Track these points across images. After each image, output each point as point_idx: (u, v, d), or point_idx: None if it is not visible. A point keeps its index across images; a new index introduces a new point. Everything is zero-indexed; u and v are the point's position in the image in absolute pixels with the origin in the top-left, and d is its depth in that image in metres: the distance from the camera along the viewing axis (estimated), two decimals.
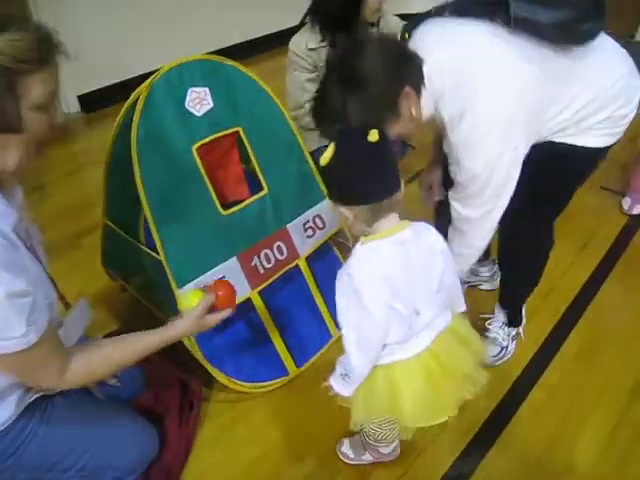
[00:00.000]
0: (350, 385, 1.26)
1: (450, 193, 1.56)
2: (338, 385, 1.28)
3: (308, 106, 2.37)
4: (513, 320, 1.98)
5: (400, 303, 1.19)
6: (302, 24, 2.34)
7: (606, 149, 1.55)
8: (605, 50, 1.44)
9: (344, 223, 1.24)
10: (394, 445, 1.61)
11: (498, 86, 1.34)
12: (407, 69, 1.33)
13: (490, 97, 1.34)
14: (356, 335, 1.20)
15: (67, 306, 1.42)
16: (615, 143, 1.55)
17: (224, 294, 1.39)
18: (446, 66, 1.35)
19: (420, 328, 1.27)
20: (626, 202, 2.70)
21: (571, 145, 1.50)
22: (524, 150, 1.43)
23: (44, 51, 1.03)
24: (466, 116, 1.35)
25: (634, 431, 1.71)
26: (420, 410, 1.29)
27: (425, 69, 1.35)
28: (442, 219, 1.85)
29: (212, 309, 1.38)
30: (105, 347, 1.31)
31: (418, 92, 1.35)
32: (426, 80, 1.35)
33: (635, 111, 1.51)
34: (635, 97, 1.50)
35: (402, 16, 2.38)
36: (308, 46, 2.28)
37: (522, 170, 1.53)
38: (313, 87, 2.35)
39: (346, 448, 1.65)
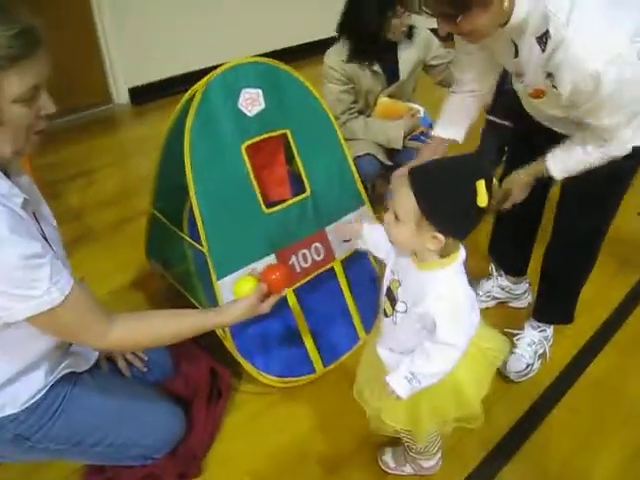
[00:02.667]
0: (414, 389, 1.23)
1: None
2: (400, 385, 1.23)
3: (344, 117, 2.43)
4: (566, 316, 2.00)
5: (475, 313, 1.25)
6: (339, 37, 2.41)
7: None
8: None
9: (410, 238, 1.18)
10: (437, 458, 1.62)
11: None
12: None
13: None
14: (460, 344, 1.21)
15: None
16: None
17: (277, 279, 1.43)
18: None
19: None
20: None
21: None
22: None
23: (20, 47, 1.02)
24: (576, 8, 1.23)
25: None
26: (480, 392, 1.35)
27: None
28: None
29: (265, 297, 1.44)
30: (154, 318, 1.36)
31: None
32: None
33: None
34: None
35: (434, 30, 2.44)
36: (342, 59, 2.36)
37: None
38: (348, 98, 2.42)
39: (388, 457, 1.67)
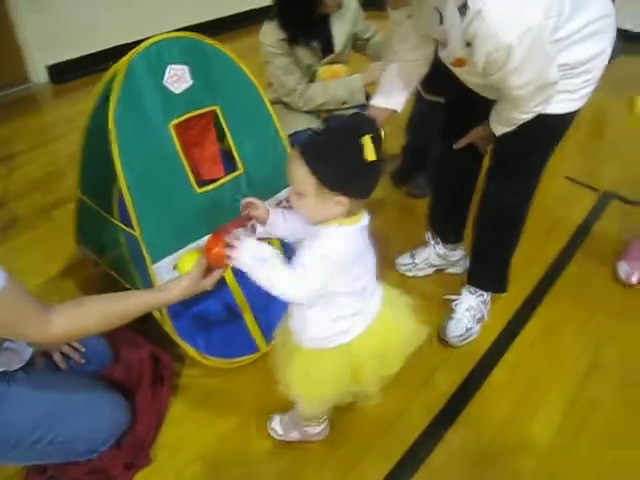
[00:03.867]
0: (252, 268, 1.24)
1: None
2: (246, 249, 1.25)
3: (300, 87, 2.39)
4: (499, 285, 2.08)
5: (359, 277, 1.27)
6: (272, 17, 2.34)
7: (572, 115, 1.61)
8: None
9: (316, 209, 1.20)
10: (323, 426, 1.65)
11: None
12: None
13: None
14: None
15: None
16: (580, 109, 1.61)
17: (218, 253, 1.33)
18: None
19: (369, 297, 1.35)
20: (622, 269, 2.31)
21: (541, 114, 1.55)
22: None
23: None
24: None
25: (586, 409, 1.79)
26: (379, 372, 1.37)
27: None
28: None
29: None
30: (95, 303, 1.31)
31: None
32: None
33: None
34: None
35: None
36: (279, 37, 2.30)
37: (501, 139, 1.65)
38: (297, 68, 2.37)
39: (276, 424, 1.69)
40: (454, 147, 1.88)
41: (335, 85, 2.42)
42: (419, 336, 1.40)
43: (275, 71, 2.37)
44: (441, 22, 1.45)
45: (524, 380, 1.90)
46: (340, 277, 1.23)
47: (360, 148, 1.09)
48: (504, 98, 1.55)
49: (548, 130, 1.63)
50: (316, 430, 1.65)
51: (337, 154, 1.13)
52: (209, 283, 1.42)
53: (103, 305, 1.31)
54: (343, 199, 1.16)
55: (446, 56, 1.55)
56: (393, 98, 1.81)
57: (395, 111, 1.83)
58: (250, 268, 1.25)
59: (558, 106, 1.55)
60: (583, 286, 2.28)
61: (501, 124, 1.64)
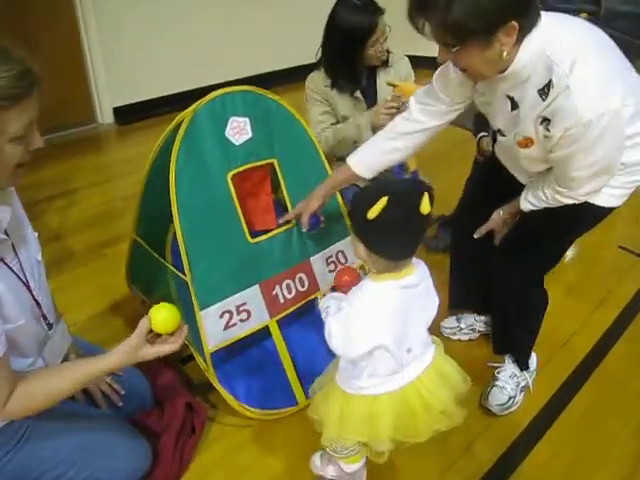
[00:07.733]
0: (333, 319, 1.32)
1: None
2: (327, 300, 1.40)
3: (324, 138, 2.45)
4: (519, 362, 2.01)
5: (392, 341, 1.26)
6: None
7: (608, 210, 1.59)
8: None
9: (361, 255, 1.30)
10: (358, 465, 1.58)
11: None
12: (526, 5, 1.27)
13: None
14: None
15: (50, 327, 1.45)
16: (615, 208, 1.59)
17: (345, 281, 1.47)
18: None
19: (409, 362, 1.34)
20: None
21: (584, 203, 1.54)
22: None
23: (23, 88, 1.06)
24: (578, 62, 1.30)
25: None
26: (395, 436, 1.34)
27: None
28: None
29: (154, 338, 1.35)
30: (33, 381, 1.27)
31: (521, 36, 1.29)
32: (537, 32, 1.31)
33: None
34: None
35: (412, 57, 2.57)
36: (323, 84, 2.43)
37: (525, 215, 1.64)
38: (329, 119, 2.48)
39: (316, 457, 1.66)
40: (474, 236, 1.83)
41: (344, 126, 2.47)
42: (452, 419, 1.38)
43: (310, 114, 2.47)
44: (513, 108, 1.47)
45: (568, 459, 1.81)
46: (372, 334, 1.26)
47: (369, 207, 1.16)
48: (556, 180, 1.52)
49: (581, 216, 1.60)
50: (352, 468, 1.58)
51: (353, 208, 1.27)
52: (150, 355, 1.34)
53: (42, 383, 1.28)
54: (363, 251, 1.26)
55: (509, 139, 1.55)
56: (369, 169, 1.78)
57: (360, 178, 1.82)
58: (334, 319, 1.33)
59: (598, 197, 1.53)
60: (634, 363, 2.18)
61: (535, 203, 1.61)
